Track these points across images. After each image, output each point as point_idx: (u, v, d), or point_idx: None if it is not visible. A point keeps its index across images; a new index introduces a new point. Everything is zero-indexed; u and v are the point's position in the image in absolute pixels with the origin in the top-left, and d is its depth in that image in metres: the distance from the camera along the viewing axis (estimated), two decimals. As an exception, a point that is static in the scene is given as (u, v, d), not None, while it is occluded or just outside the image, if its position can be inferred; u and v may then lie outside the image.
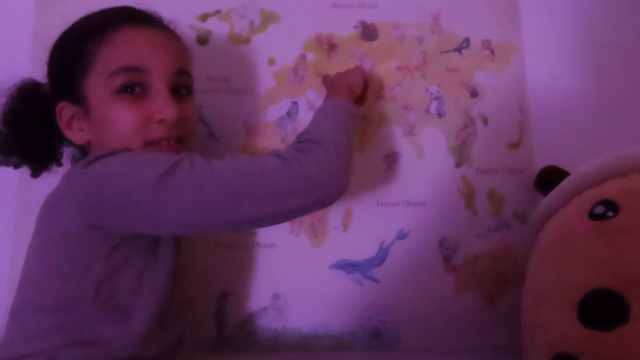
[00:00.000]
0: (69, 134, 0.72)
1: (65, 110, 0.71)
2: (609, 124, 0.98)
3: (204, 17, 0.97)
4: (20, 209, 0.91)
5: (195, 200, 0.60)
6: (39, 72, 0.92)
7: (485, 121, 0.96)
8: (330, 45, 0.97)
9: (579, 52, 1.00)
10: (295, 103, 0.95)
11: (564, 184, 0.76)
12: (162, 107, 0.69)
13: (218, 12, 0.97)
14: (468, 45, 0.99)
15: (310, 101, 0.95)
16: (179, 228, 0.63)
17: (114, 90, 0.67)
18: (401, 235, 0.92)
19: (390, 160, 0.95)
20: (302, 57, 0.97)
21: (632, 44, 1.01)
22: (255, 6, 0.98)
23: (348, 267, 0.91)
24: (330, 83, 0.89)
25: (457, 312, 0.90)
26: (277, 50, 0.97)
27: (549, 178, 0.87)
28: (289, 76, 0.96)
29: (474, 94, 0.97)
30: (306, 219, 0.92)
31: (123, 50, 0.69)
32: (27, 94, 0.74)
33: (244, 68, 0.96)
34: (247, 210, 0.61)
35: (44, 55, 0.93)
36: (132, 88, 0.68)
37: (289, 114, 0.95)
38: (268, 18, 0.98)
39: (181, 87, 0.74)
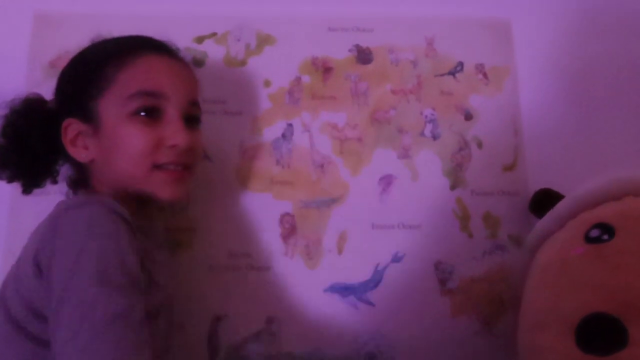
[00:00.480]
0: (73, 151, 0.71)
1: (71, 127, 0.71)
2: (603, 146, 0.99)
3: (200, 39, 0.98)
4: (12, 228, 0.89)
5: (86, 344, 0.51)
6: (33, 91, 0.93)
7: (479, 144, 0.97)
8: (325, 68, 0.98)
9: (571, 75, 1.02)
10: (290, 125, 0.95)
11: (559, 207, 0.76)
12: (175, 133, 0.70)
13: (214, 34, 0.98)
14: (462, 69, 1.00)
15: (305, 123, 0.96)
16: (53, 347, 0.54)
17: (130, 112, 0.68)
18: (396, 258, 0.91)
19: (385, 182, 0.94)
20: (298, 79, 0.97)
21: (624, 67, 1.02)
22: (251, 29, 0.99)
23: (343, 290, 0.90)
24: None
25: (453, 335, 0.89)
26: (272, 73, 0.97)
27: (544, 201, 0.87)
28: (284, 98, 0.96)
29: (469, 117, 0.98)
30: (301, 241, 0.91)
31: (142, 74, 0.70)
32: (31, 108, 0.73)
33: (239, 90, 0.96)
34: None
35: (39, 74, 0.95)
36: (148, 111, 0.69)
37: (284, 135, 0.95)
38: (264, 41, 0.99)
39: (192, 117, 0.75)
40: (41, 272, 0.57)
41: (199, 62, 0.96)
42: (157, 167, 0.70)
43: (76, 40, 0.95)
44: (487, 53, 1.01)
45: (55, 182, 0.78)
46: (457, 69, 1.00)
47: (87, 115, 0.70)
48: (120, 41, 0.75)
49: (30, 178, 0.76)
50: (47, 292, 0.56)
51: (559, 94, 1.01)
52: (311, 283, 0.90)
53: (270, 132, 0.95)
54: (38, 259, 0.58)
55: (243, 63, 0.98)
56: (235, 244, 0.91)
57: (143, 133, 0.68)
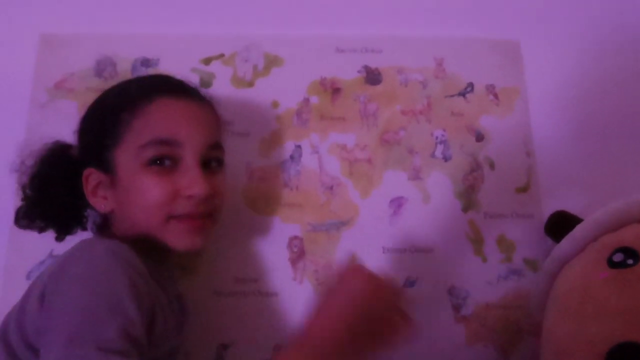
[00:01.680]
0: (94, 201, 0.70)
1: (91, 177, 0.69)
2: (615, 167, 0.97)
3: (207, 61, 0.97)
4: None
5: None
6: (36, 114, 0.92)
7: (491, 165, 0.95)
8: (334, 89, 0.97)
9: (581, 96, 1.01)
10: (298, 146, 0.94)
11: (578, 230, 0.73)
12: (192, 182, 0.66)
13: (222, 55, 0.97)
14: (472, 90, 0.99)
15: (313, 144, 0.94)
16: None
17: (144, 162, 0.66)
18: (409, 283, 0.89)
19: (396, 205, 0.92)
20: (306, 100, 0.96)
21: (635, 87, 1.01)
22: (259, 50, 0.98)
23: (353, 316, 0.87)
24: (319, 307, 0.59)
25: (469, 364, 0.86)
26: (280, 94, 0.96)
27: (560, 224, 0.84)
28: (292, 119, 0.95)
29: (480, 138, 0.96)
30: (310, 265, 0.89)
31: (156, 122, 0.68)
32: (56, 158, 0.73)
33: (247, 111, 0.95)
34: None
35: (44, 96, 0.94)
36: (162, 161, 0.66)
37: (292, 157, 0.93)
38: (272, 62, 0.98)
39: (212, 160, 0.72)
40: (42, 308, 0.55)
41: (206, 84, 0.95)
42: (173, 217, 0.67)
43: (82, 62, 0.96)
44: (497, 74, 1.00)
45: (84, 228, 0.78)
46: (467, 90, 0.99)
47: (105, 166, 0.68)
48: (134, 84, 0.74)
49: (61, 227, 0.76)
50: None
51: (570, 115, 1.00)
52: (320, 309, 0.87)
53: (278, 153, 0.93)
54: (43, 295, 0.55)
55: (251, 84, 0.96)
56: (241, 269, 0.88)
57: (158, 184, 0.66)
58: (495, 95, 0.99)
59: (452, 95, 0.98)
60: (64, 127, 0.91)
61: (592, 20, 1.04)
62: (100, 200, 0.70)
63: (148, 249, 0.66)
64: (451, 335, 0.87)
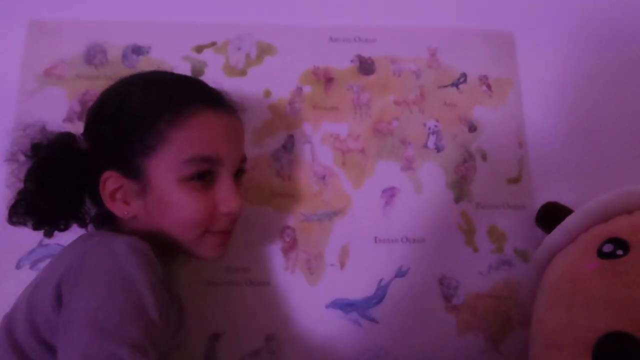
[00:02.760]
0: (112, 205, 0.66)
1: (111, 180, 0.66)
2: (608, 159, 0.97)
3: (199, 49, 0.96)
4: None
5: None
6: (25, 102, 0.91)
7: (484, 156, 0.95)
8: (327, 79, 0.96)
9: (574, 86, 1.01)
10: (291, 136, 0.93)
11: (569, 220, 0.74)
12: (228, 198, 0.68)
13: (214, 43, 0.96)
14: (465, 81, 0.98)
15: (306, 134, 0.93)
16: None
17: (184, 177, 0.65)
18: (400, 273, 0.89)
19: (388, 195, 0.92)
20: (299, 89, 0.95)
21: (628, 78, 1.01)
22: (252, 38, 0.97)
23: (345, 306, 0.87)
24: None
25: (459, 353, 0.86)
26: (273, 83, 0.95)
27: (551, 214, 0.85)
28: (285, 109, 0.94)
29: (472, 128, 0.96)
30: (302, 255, 0.89)
31: (199, 137, 0.66)
32: (64, 150, 0.68)
33: (239, 100, 0.93)
34: None
35: (33, 83, 0.92)
36: (203, 176, 0.66)
37: (284, 146, 0.93)
38: (264, 50, 0.97)
39: (239, 171, 0.73)
40: (59, 303, 0.55)
41: (198, 72, 0.94)
42: (208, 232, 0.68)
43: (72, 49, 0.95)
44: (491, 65, 1.00)
45: (85, 225, 0.73)
46: (460, 80, 0.98)
47: (132, 172, 0.65)
48: (172, 91, 0.69)
49: (57, 224, 0.70)
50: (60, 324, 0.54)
51: (563, 106, 1.00)
52: (312, 299, 0.87)
53: (271, 143, 0.93)
54: (60, 290, 0.55)
55: (243, 73, 0.96)
56: (233, 259, 0.87)
57: (198, 201, 0.65)
58: (489, 86, 0.98)
59: (445, 86, 0.98)
60: (54, 115, 0.91)
61: (586, 12, 1.04)
62: (119, 205, 0.66)
63: (162, 248, 0.66)
64: (442, 325, 0.87)
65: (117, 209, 0.66)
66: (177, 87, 0.70)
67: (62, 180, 0.66)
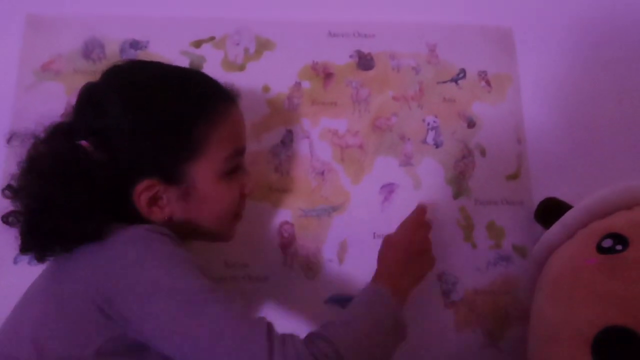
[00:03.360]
0: (149, 212, 0.64)
1: (149, 189, 0.63)
2: (606, 155, 0.97)
3: (197, 44, 0.95)
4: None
5: (200, 352, 0.52)
6: (23, 96, 0.91)
7: (482, 152, 0.95)
8: (326, 74, 0.96)
9: (574, 83, 1.01)
10: (289, 131, 0.93)
11: (568, 216, 0.74)
12: (247, 181, 0.73)
13: (212, 38, 0.96)
14: (464, 76, 0.98)
15: (305, 129, 0.93)
16: (166, 352, 0.55)
17: (225, 172, 0.68)
18: (399, 269, 0.89)
19: (387, 191, 0.92)
20: (298, 85, 0.95)
21: (627, 74, 1.01)
22: (250, 33, 0.97)
23: (344, 301, 0.87)
24: (389, 249, 0.76)
25: (458, 349, 0.86)
26: (272, 78, 0.95)
27: (550, 210, 0.85)
28: (283, 104, 0.94)
29: (471, 124, 0.96)
30: (300, 251, 0.88)
31: (233, 132, 0.70)
32: (82, 165, 0.60)
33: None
34: None
35: (30, 78, 0.92)
36: (237, 168, 0.71)
37: (283, 142, 0.92)
38: (263, 45, 0.96)
39: None
40: (111, 305, 0.55)
41: (196, 67, 0.94)
42: (235, 215, 0.73)
43: (70, 44, 0.94)
44: (490, 60, 1.00)
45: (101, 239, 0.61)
46: (459, 76, 0.98)
47: (174, 178, 0.64)
48: (199, 92, 0.68)
49: (69, 245, 0.60)
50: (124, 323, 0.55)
51: (562, 102, 1.00)
52: (311, 294, 0.87)
53: (269, 138, 0.93)
54: (107, 297, 0.55)
55: (242, 68, 0.95)
56: (231, 254, 0.87)
57: (234, 191, 0.70)
58: (488, 82, 0.98)
59: (444, 82, 0.98)
60: (52, 110, 0.90)
61: (584, 8, 1.04)
62: (157, 211, 0.64)
63: (179, 235, 0.64)
64: (440, 321, 0.87)
65: (155, 215, 0.64)
66: (201, 86, 0.69)
67: (91, 196, 0.60)
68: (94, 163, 0.61)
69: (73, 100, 0.90)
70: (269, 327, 0.54)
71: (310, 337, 0.57)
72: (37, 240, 0.61)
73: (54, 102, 0.91)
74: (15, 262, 0.84)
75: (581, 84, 1.01)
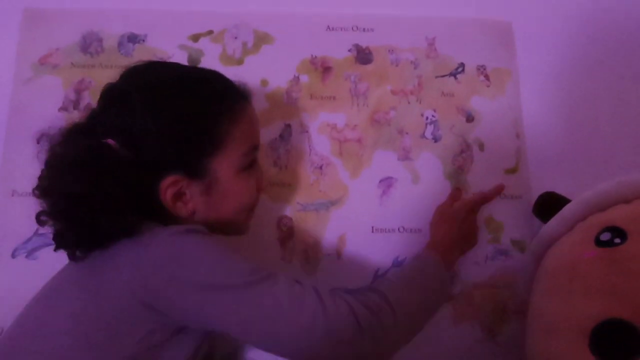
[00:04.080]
0: (174, 207, 0.66)
1: (175, 184, 0.65)
2: (605, 149, 0.97)
3: (195, 37, 0.95)
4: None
5: (262, 324, 0.58)
6: (20, 90, 0.90)
7: (481, 146, 0.94)
8: (324, 68, 0.96)
9: (573, 77, 1.00)
10: (288, 125, 0.93)
11: (567, 210, 0.74)
12: (261, 176, 0.77)
13: (210, 32, 0.96)
14: (463, 70, 0.98)
15: (303, 124, 0.93)
16: (229, 335, 0.60)
17: (244, 166, 0.70)
18: (397, 263, 0.89)
19: (386, 185, 0.92)
20: (296, 79, 0.95)
21: (626, 68, 1.01)
22: (249, 27, 0.96)
23: (342, 296, 0.87)
24: (444, 224, 0.84)
25: (455, 343, 0.86)
26: (270, 72, 0.95)
27: (549, 204, 0.85)
28: (282, 98, 0.94)
29: (470, 119, 0.96)
30: (299, 245, 0.88)
31: (250, 129, 0.72)
32: (115, 163, 0.61)
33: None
34: (302, 351, 0.58)
35: (28, 71, 0.92)
36: (253, 163, 0.74)
37: (281, 136, 0.92)
38: (261, 39, 0.96)
39: None
40: (159, 298, 0.57)
41: (194, 61, 0.94)
42: (251, 209, 0.76)
43: (67, 37, 0.94)
44: (489, 55, 0.99)
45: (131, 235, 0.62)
46: (458, 70, 0.98)
47: (198, 172, 0.66)
48: (221, 89, 0.71)
49: (104, 241, 0.62)
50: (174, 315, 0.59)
51: (561, 96, 1.00)
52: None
53: (268, 132, 0.92)
54: (153, 289, 0.57)
55: (240, 62, 0.95)
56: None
57: (252, 185, 0.73)
58: (487, 77, 0.98)
59: (443, 76, 0.97)
60: (49, 104, 0.90)
61: (584, 2, 1.04)
62: (181, 206, 0.66)
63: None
64: (438, 315, 0.85)
65: (180, 210, 0.66)
66: (220, 84, 0.72)
67: (122, 192, 0.61)
68: (121, 161, 0.62)
69: (71, 94, 0.92)
70: (315, 288, 0.61)
71: (361, 289, 0.66)
72: (72, 238, 0.62)
73: (52, 96, 0.91)
74: (13, 256, 0.84)
75: (580, 78, 1.01)
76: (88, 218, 0.59)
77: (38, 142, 0.66)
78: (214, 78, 0.72)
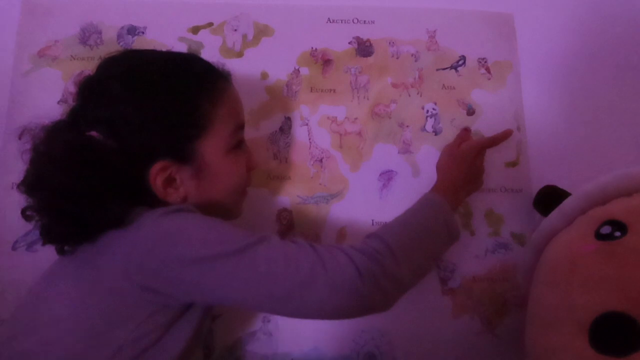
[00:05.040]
0: (165, 194, 0.65)
1: (163, 170, 0.64)
2: (606, 142, 0.97)
3: (195, 30, 0.95)
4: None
5: (262, 286, 0.58)
6: (19, 83, 0.90)
7: (482, 139, 0.94)
8: (324, 61, 0.95)
9: (574, 70, 1.00)
10: (288, 118, 0.93)
11: (567, 203, 0.73)
12: (252, 157, 0.77)
13: (210, 24, 0.95)
14: (464, 63, 0.98)
15: (303, 116, 0.93)
16: (232, 305, 0.64)
17: (231, 147, 0.70)
18: (397, 256, 0.89)
19: (386, 178, 0.92)
20: (296, 71, 0.94)
21: (628, 61, 1.00)
22: (249, 19, 0.96)
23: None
24: (451, 164, 0.83)
25: (455, 336, 0.87)
26: (270, 65, 0.94)
27: (549, 198, 0.84)
28: (282, 91, 0.94)
29: (471, 112, 0.95)
30: (298, 238, 0.88)
31: (234, 107, 0.72)
32: (97, 155, 0.61)
33: (236, 82, 0.92)
34: (306, 306, 0.59)
35: (27, 64, 0.91)
36: (240, 143, 0.73)
37: (282, 129, 0.92)
38: (261, 32, 0.96)
39: None
40: (158, 278, 0.58)
41: (194, 53, 0.93)
42: (243, 191, 0.76)
43: (66, 29, 0.93)
44: (490, 47, 0.99)
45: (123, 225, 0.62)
46: (459, 63, 0.97)
47: (185, 157, 0.66)
48: (200, 72, 0.70)
49: (93, 232, 0.62)
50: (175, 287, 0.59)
51: (562, 90, 0.99)
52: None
53: (268, 125, 0.92)
54: (149, 270, 0.58)
55: (240, 54, 0.95)
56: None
57: (241, 165, 0.73)
58: (488, 69, 0.98)
59: (444, 69, 0.97)
60: (49, 96, 0.90)
61: (586, -6, 1.04)
62: (172, 192, 0.66)
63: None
64: (438, 308, 0.87)
65: (171, 196, 0.66)
66: (198, 66, 0.71)
67: (110, 183, 0.61)
68: (106, 151, 0.61)
69: (70, 86, 0.91)
70: (311, 244, 0.62)
71: (367, 236, 0.68)
72: (60, 231, 0.62)
73: (51, 89, 0.90)
74: (13, 248, 0.84)
75: (582, 71, 1.00)
76: (75, 211, 0.59)
77: (20, 138, 0.65)
78: (192, 60, 0.72)
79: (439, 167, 0.85)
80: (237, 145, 0.72)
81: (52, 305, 0.60)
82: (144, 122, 0.63)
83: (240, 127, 0.73)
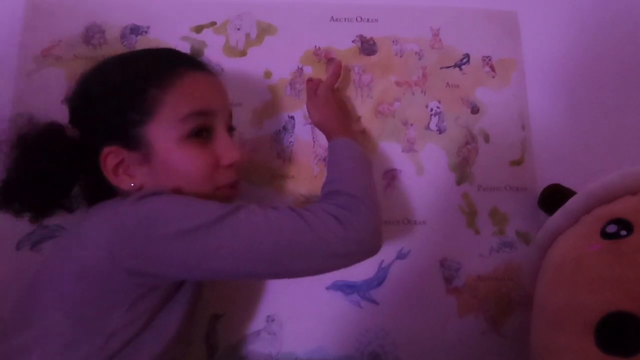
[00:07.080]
0: (116, 180, 0.67)
1: (112, 156, 0.66)
2: (611, 141, 0.96)
3: (198, 29, 0.95)
4: None
5: (249, 249, 0.59)
6: (23, 83, 0.90)
7: (486, 138, 0.94)
8: (328, 59, 0.95)
9: (579, 68, 0.99)
10: (291, 117, 0.92)
11: (572, 202, 0.73)
12: (229, 150, 0.70)
13: (213, 23, 0.95)
14: (468, 61, 0.97)
15: (307, 115, 0.92)
16: (224, 275, 0.64)
17: (184, 135, 0.66)
18: (401, 255, 0.89)
19: (390, 177, 0.92)
20: (300, 70, 0.94)
21: (632, 59, 1.00)
22: (252, 18, 0.96)
23: (346, 288, 0.87)
24: (324, 112, 0.85)
25: (460, 335, 0.86)
26: (273, 63, 0.94)
27: (554, 196, 0.84)
28: (285, 90, 0.93)
29: (475, 110, 0.95)
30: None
31: (191, 94, 0.68)
32: (55, 140, 0.67)
33: (239, 81, 0.93)
34: (295, 265, 0.61)
35: (30, 64, 0.91)
36: (201, 132, 0.68)
37: (285, 128, 0.92)
38: (264, 30, 0.95)
39: (230, 128, 0.76)
40: (143, 260, 0.59)
41: (197, 52, 0.93)
42: (219, 188, 0.70)
43: (70, 29, 0.93)
44: (494, 45, 0.99)
45: (72, 211, 0.73)
46: (463, 61, 0.97)
47: (132, 143, 0.66)
48: (154, 59, 0.71)
49: (41, 210, 0.71)
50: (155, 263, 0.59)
51: (566, 88, 0.99)
52: (313, 281, 0.85)
53: (271, 124, 0.92)
54: (133, 252, 0.59)
55: (243, 53, 0.94)
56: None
57: (200, 156, 0.68)
58: (492, 67, 0.97)
59: (447, 67, 0.97)
60: (52, 96, 0.90)
61: (590, -9, 1.03)
62: (124, 178, 0.67)
63: None
64: (442, 307, 0.87)
65: (122, 182, 0.67)
66: (156, 55, 0.72)
67: (52, 170, 0.66)
68: (70, 140, 0.68)
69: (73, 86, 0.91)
70: (290, 207, 0.65)
71: (324, 198, 0.72)
72: (12, 201, 0.68)
73: (55, 88, 0.90)
74: (17, 248, 0.84)
75: (586, 69, 1.00)
76: (21, 187, 0.66)
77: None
78: (155, 51, 0.73)
79: (317, 122, 0.85)
80: (196, 134, 0.68)
81: (43, 299, 0.61)
82: (91, 108, 0.67)
83: (199, 114, 0.68)
